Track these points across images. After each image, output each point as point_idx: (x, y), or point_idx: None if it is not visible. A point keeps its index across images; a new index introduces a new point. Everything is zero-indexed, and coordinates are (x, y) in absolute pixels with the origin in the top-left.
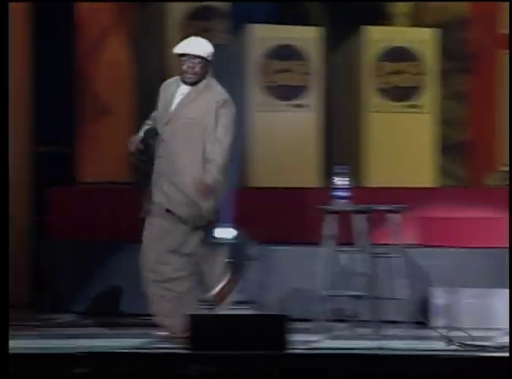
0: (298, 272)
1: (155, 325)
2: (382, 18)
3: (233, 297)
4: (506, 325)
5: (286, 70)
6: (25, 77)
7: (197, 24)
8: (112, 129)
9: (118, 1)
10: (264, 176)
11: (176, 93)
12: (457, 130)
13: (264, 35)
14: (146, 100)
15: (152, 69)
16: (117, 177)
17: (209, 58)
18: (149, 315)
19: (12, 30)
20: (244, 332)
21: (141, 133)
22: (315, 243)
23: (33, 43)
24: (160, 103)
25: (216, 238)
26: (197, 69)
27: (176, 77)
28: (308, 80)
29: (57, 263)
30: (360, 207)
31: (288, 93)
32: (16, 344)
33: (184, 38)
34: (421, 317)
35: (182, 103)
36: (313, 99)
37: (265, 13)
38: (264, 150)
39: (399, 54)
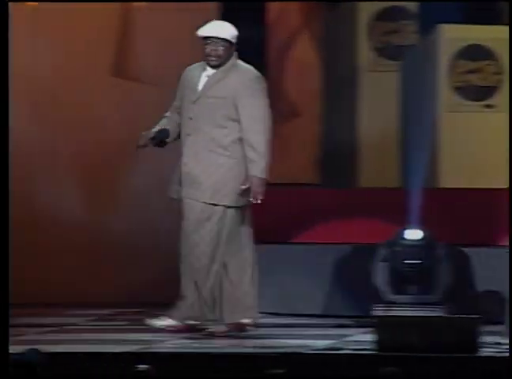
0: (487, 274)
1: (345, 326)
2: None
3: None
4: None
5: (477, 70)
6: None
7: (385, 25)
8: (299, 130)
9: (307, 0)
10: (453, 177)
11: (201, 75)
12: None
13: (454, 36)
14: (332, 101)
15: (340, 70)
16: (303, 178)
17: (233, 41)
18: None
19: None
20: (435, 334)
21: (153, 132)
22: (505, 245)
23: None
24: (185, 86)
25: (405, 239)
26: (221, 51)
27: (200, 63)
28: (499, 80)
29: None
30: None
31: (478, 93)
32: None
33: (375, 38)
34: None
35: (209, 83)
36: (503, 99)
37: (453, 13)
38: (454, 150)
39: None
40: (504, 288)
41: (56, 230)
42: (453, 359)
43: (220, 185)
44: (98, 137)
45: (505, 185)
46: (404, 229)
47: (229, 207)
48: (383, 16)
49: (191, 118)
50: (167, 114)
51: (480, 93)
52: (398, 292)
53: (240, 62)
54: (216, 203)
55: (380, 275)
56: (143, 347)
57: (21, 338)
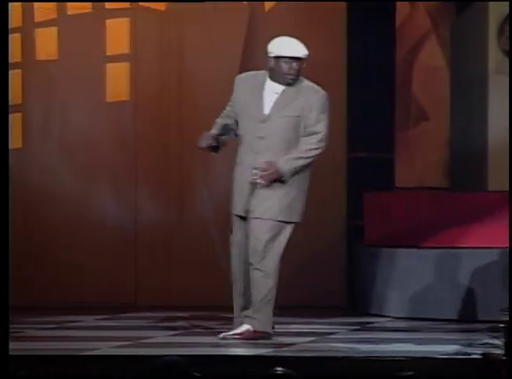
0: None
1: (475, 331)
2: None
3: None
4: None
5: None
6: (342, 81)
7: None
8: (428, 134)
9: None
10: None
11: (264, 90)
12: None
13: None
14: (461, 104)
15: (468, 72)
16: (432, 182)
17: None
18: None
19: None
20: None
21: (215, 130)
22: None
23: (349, 54)
24: (242, 100)
25: None
26: (299, 70)
27: (254, 73)
28: None
29: (367, 268)
30: None
31: None
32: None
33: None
34: None
35: (283, 102)
36: None
37: None
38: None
39: None
40: None
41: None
42: None
43: (290, 203)
44: None
45: None
46: None
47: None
48: None
49: (262, 138)
50: (219, 120)
51: None
52: None
53: (305, 79)
54: (287, 220)
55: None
56: None
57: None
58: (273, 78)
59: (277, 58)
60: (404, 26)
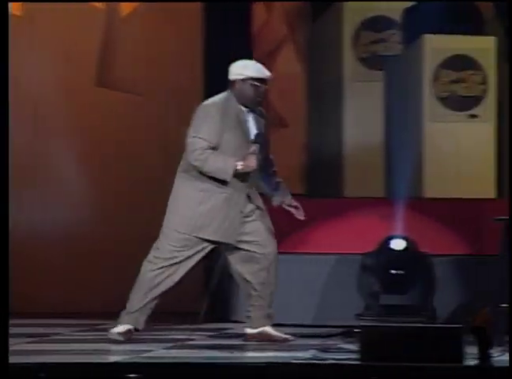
0: (469, 284)
1: (330, 336)
2: None
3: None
4: None
5: (461, 80)
6: (199, 87)
7: (369, 35)
8: (284, 141)
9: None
10: (438, 187)
11: (243, 118)
12: None
13: (438, 46)
14: (318, 112)
15: (325, 80)
16: (289, 187)
17: None
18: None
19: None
20: (419, 344)
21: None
22: (490, 255)
23: (207, 53)
24: (231, 125)
25: (390, 249)
26: (264, 92)
27: (222, 100)
28: (483, 90)
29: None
30: None
31: (462, 103)
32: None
33: (360, 48)
34: None
35: (258, 127)
36: (488, 109)
37: (437, 24)
38: (438, 160)
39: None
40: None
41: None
42: (437, 369)
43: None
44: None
45: (490, 195)
46: (389, 239)
47: None
48: (368, 25)
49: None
50: (213, 152)
51: (464, 103)
52: (383, 301)
53: None
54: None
55: (365, 285)
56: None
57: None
58: (241, 101)
59: (245, 80)
60: (262, 31)
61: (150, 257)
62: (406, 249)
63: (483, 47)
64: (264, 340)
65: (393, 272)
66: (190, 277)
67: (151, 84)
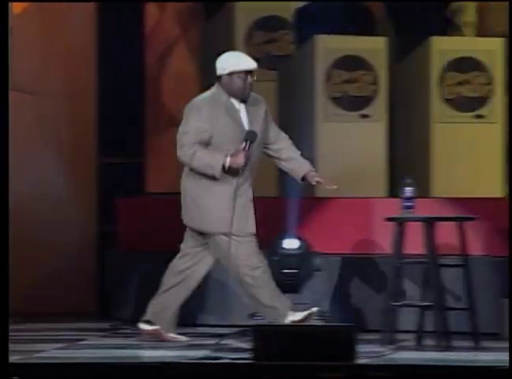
0: (363, 283)
1: (224, 335)
2: (448, 29)
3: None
4: None
5: (353, 80)
6: (92, 87)
7: (262, 35)
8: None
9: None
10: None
11: (235, 111)
12: None
13: (330, 46)
14: None
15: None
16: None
17: None
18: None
19: (80, 37)
20: (311, 343)
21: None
22: (381, 254)
23: (101, 53)
24: (221, 124)
25: (283, 248)
26: (251, 83)
27: (210, 95)
28: (374, 90)
29: (122, 274)
30: (428, 217)
31: (354, 103)
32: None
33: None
34: (489, 328)
35: (252, 118)
36: (379, 109)
37: (330, 23)
38: (331, 160)
39: (466, 65)
40: (380, 296)
41: None
42: (329, 367)
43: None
44: None
45: (381, 194)
46: (282, 238)
47: None
48: (261, 25)
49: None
50: (201, 148)
51: (356, 103)
52: None
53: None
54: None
55: None
56: None
57: None
58: (230, 94)
59: (231, 74)
60: (155, 30)
61: None
62: (299, 248)
63: (369, 47)
64: (158, 339)
65: (285, 271)
66: (80, 277)
67: (44, 83)
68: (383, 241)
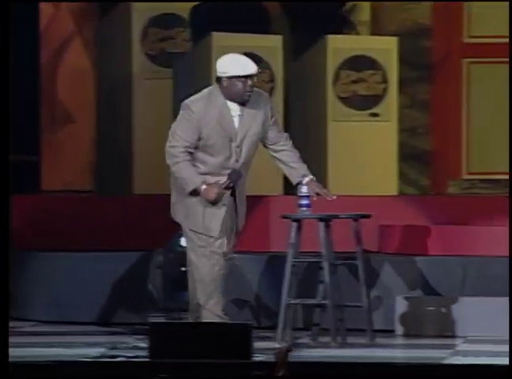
0: (261, 281)
1: (120, 333)
2: (343, 27)
3: None
4: (468, 333)
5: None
6: None
7: (159, 32)
8: (73, 137)
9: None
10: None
11: (228, 112)
12: (419, 139)
13: (226, 44)
14: (106, 108)
15: (114, 76)
16: (79, 185)
17: None
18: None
19: None
20: (208, 341)
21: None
22: (279, 252)
23: None
24: (211, 125)
25: (181, 245)
26: (253, 86)
27: (206, 96)
28: (270, 88)
29: (14, 272)
30: (324, 215)
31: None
32: None
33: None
34: (385, 324)
35: (247, 122)
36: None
37: (226, 21)
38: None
39: (361, 63)
40: (277, 294)
41: None
42: (225, 365)
43: None
44: None
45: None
46: (180, 235)
47: None
48: (156, 22)
49: (237, 160)
50: (187, 159)
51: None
52: (173, 299)
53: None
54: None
55: (155, 282)
56: None
57: None
58: (229, 98)
59: (231, 77)
60: (49, 27)
61: None
62: None
63: (267, 45)
64: None
65: (183, 268)
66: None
67: None
68: (280, 239)
